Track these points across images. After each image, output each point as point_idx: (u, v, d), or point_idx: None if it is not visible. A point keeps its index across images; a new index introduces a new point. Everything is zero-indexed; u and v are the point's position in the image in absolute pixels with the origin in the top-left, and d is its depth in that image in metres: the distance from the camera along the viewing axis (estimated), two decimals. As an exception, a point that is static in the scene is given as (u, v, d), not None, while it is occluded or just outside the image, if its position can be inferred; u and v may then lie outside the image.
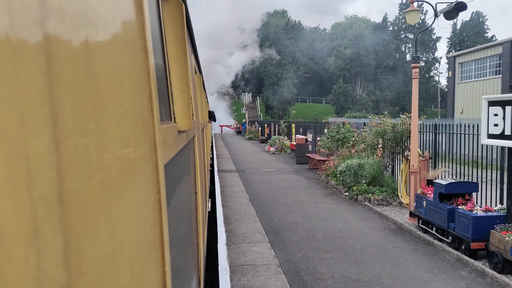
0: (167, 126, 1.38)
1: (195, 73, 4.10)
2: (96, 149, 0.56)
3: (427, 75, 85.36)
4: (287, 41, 69.43)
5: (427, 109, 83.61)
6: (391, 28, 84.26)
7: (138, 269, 0.73)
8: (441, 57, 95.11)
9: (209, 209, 7.01)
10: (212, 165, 17.48)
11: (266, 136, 35.82)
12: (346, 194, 11.40)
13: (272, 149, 25.22)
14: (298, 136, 20.31)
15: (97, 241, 0.54)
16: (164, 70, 1.61)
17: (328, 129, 14.74)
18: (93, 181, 0.54)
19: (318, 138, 16.57)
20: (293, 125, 25.06)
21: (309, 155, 17.82)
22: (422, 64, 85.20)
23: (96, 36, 0.59)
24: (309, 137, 19.90)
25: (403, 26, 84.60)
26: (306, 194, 11.76)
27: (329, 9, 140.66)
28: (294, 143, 22.24)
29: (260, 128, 39.84)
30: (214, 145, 30.88)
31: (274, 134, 30.84)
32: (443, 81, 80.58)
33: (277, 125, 30.59)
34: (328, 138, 14.55)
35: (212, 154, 23.59)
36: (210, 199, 8.11)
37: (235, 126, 60.24)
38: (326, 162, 15.94)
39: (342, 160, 12.90)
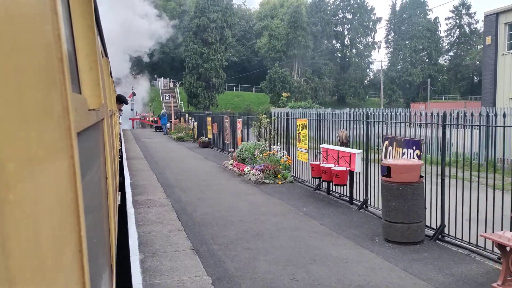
0: (78, 96, 1.27)
1: (102, 56, 3.51)
2: (6, 106, 0.52)
3: (368, 60, 76.39)
4: (213, 14, 55.61)
5: (367, 98, 75.06)
6: (325, 7, 73.73)
7: (54, 232, 0.70)
8: (380, 41, 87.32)
9: (119, 202, 5.70)
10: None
11: (210, 137, 22.25)
12: None
13: (251, 171, 11.90)
14: (399, 162, 7.10)
15: (6, 190, 0.50)
16: (72, 44, 1.48)
17: None
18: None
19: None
20: (303, 122, 11.58)
21: None
22: (361, 48, 76.01)
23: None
24: (413, 155, 6.92)
25: (341, 5, 74.61)
26: None
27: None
28: (335, 168, 9.19)
29: (196, 124, 25.93)
30: (124, 157, 16.90)
31: (231, 136, 17.45)
32: (376, 67, 70.93)
33: (239, 120, 16.84)
34: None
35: (123, 177, 10.58)
36: (120, 192, 6.30)
37: (151, 119, 44.81)
38: None
39: None
